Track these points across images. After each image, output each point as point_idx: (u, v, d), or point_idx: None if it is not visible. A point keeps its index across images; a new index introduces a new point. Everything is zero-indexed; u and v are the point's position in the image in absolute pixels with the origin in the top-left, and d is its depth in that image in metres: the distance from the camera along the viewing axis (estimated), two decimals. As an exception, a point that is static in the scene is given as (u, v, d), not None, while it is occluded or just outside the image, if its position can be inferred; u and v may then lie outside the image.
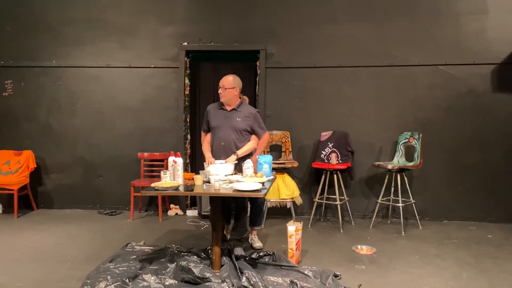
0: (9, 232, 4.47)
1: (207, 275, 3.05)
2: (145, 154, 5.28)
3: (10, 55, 5.45)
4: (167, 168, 3.37)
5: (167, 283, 3.06)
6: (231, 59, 5.53)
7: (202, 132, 4.02)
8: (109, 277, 3.07)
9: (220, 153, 3.74)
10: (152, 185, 3.11)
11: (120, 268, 3.26)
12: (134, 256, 3.52)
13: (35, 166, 5.32)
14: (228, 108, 3.79)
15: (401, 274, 3.35)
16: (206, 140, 3.94)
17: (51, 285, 3.11)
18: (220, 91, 3.75)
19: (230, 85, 3.71)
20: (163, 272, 3.19)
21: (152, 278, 3.08)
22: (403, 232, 4.49)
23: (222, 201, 3.37)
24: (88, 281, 3.05)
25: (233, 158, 3.62)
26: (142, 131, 5.39)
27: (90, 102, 5.44)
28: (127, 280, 3.01)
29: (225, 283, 2.97)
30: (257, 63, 5.26)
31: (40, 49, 5.43)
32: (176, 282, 3.07)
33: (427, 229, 4.67)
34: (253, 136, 3.85)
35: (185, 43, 5.28)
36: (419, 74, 5.02)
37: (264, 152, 4.64)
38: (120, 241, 4.06)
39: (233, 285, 2.97)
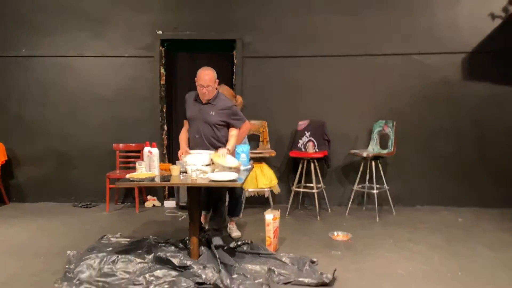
0: (-20, 227, 4.36)
1: (188, 263, 3.07)
2: (121, 145, 5.20)
3: (-24, 44, 5.26)
4: (143, 159, 3.32)
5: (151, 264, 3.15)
6: (208, 48, 5.47)
7: (184, 120, 3.94)
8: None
9: (194, 146, 3.70)
10: (127, 176, 3.08)
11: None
12: (110, 248, 3.48)
13: (6, 158, 5.18)
14: (203, 101, 3.67)
15: (376, 259, 3.43)
16: (185, 128, 3.87)
17: (26, 279, 3.05)
18: (204, 90, 3.55)
19: (213, 82, 3.57)
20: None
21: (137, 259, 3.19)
22: (377, 218, 4.59)
23: (203, 189, 3.34)
24: (71, 267, 3.10)
25: (224, 152, 3.40)
26: (117, 122, 5.30)
27: (62, 93, 5.31)
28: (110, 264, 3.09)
29: (207, 269, 2.99)
30: (234, 52, 5.23)
31: (8, 38, 5.25)
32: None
33: (400, 214, 4.79)
34: (234, 131, 3.72)
35: (160, 32, 5.20)
36: (393, 63, 5.09)
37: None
38: (95, 234, 4.01)
39: (214, 269, 2.99)
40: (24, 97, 5.31)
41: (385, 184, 4.83)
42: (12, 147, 5.32)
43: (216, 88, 3.72)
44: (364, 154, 4.69)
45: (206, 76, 3.54)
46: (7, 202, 5.31)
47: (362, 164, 4.84)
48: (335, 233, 4.08)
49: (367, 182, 4.93)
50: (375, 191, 4.68)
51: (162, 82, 5.30)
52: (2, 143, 5.18)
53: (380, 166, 4.80)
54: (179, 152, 3.61)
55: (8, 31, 5.24)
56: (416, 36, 5.05)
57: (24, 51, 5.26)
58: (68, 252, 3.33)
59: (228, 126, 3.73)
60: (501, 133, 5.04)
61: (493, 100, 5.02)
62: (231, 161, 3.29)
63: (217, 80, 3.65)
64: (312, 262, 3.26)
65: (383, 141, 4.94)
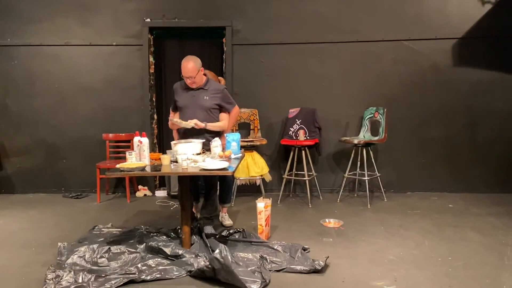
0: (-31, 219, 4.30)
1: (180, 252, 3.07)
2: (110, 135, 5.15)
3: (-41, 33, 5.12)
4: (133, 149, 3.29)
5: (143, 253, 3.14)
6: (197, 36, 5.40)
7: (170, 111, 3.92)
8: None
9: (189, 133, 3.68)
10: (117, 166, 3.05)
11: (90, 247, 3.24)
12: (102, 239, 3.46)
13: (-6, 150, 5.11)
14: (195, 87, 3.69)
15: (367, 245, 3.46)
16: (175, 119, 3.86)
17: (16, 270, 3.02)
18: (189, 82, 3.59)
19: (195, 71, 3.57)
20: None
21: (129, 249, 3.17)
22: (369, 205, 4.62)
23: (190, 179, 3.35)
24: (63, 259, 3.06)
25: (194, 121, 3.53)
26: (107, 111, 5.24)
27: (50, 82, 5.22)
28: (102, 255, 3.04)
29: (200, 258, 2.99)
30: (224, 40, 5.16)
31: (-8, 26, 5.13)
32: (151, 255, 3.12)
33: (391, 201, 4.82)
34: (225, 116, 3.79)
35: (148, 20, 5.11)
36: (384, 50, 5.08)
37: (232, 129, 4.63)
38: (86, 224, 3.98)
39: (206, 258, 2.99)
40: (11, 87, 5.22)
41: (376, 171, 4.85)
42: (0, 138, 5.25)
43: (205, 74, 3.72)
44: (355, 141, 4.70)
45: (189, 66, 3.54)
46: (-4, 194, 5.26)
47: (353, 151, 4.85)
48: (327, 220, 4.10)
49: (358, 169, 4.95)
50: (366, 178, 4.70)
51: (151, 70, 5.24)
52: (-11, 134, 5.10)
53: (371, 153, 4.82)
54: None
55: (-8, 20, 5.13)
56: (406, 22, 5.03)
57: (9, 40, 5.15)
58: (59, 243, 3.29)
59: (220, 110, 3.75)
60: (491, 118, 5.07)
61: (483, 85, 5.03)
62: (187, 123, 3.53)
63: (202, 68, 3.63)
64: (304, 249, 3.27)
65: (374, 127, 4.95)
